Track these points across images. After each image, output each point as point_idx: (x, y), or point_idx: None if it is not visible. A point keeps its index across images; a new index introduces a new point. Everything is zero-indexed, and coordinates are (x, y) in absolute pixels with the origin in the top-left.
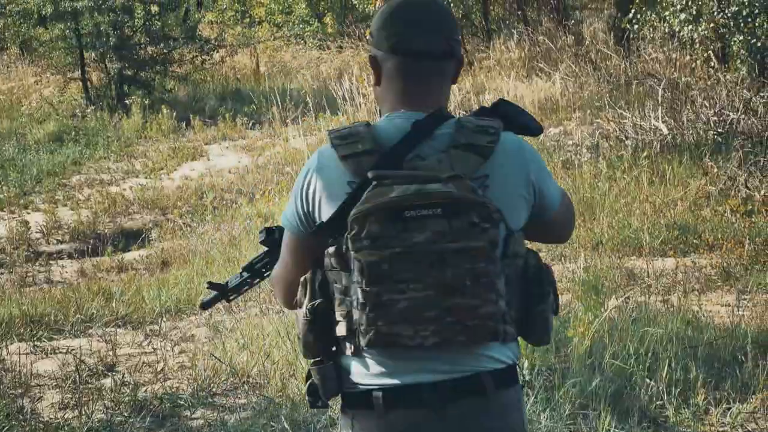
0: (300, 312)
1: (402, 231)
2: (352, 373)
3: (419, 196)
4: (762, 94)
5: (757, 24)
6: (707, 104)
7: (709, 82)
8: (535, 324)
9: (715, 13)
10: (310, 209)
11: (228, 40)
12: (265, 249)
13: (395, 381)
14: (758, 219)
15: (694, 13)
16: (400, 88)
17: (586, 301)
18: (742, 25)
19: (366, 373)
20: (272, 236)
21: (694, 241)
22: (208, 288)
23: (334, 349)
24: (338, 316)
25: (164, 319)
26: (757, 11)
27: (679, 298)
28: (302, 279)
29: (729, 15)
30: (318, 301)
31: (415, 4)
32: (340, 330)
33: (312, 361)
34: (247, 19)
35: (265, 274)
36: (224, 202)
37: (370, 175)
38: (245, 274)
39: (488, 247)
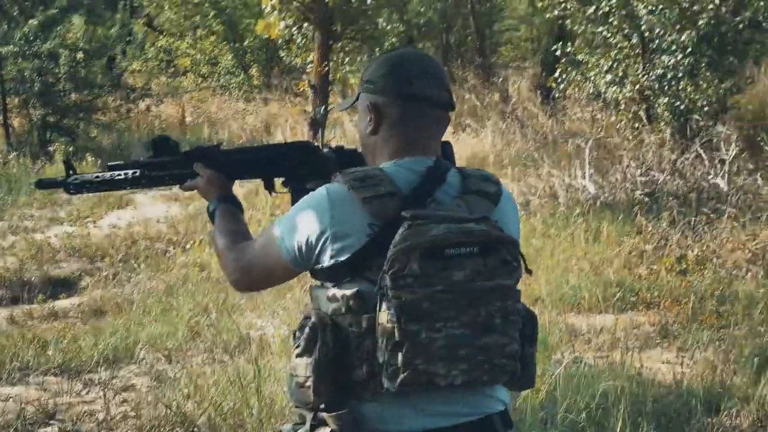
0: (302, 361)
1: (441, 269)
2: (370, 418)
3: (461, 234)
4: (686, 156)
5: (680, 87)
6: (633, 164)
7: (633, 143)
8: (527, 366)
9: (641, 76)
10: (314, 245)
11: (154, 90)
12: (165, 159)
13: (417, 425)
14: (693, 278)
15: (621, 74)
16: (406, 134)
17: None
18: (666, 87)
19: (385, 418)
20: (167, 143)
21: (632, 298)
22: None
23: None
24: (355, 361)
25: (102, 367)
26: (680, 74)
27: (622, 355)
28: (310, 324)
29: (654, 78)
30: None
31: (420, 55)
32: (359, 374)
33: (322, 408)
34: (172, 69)
35: (168, 182)
36: (155, 251)
37: (406, 214)
38: (130, 172)
39: (516, 285)
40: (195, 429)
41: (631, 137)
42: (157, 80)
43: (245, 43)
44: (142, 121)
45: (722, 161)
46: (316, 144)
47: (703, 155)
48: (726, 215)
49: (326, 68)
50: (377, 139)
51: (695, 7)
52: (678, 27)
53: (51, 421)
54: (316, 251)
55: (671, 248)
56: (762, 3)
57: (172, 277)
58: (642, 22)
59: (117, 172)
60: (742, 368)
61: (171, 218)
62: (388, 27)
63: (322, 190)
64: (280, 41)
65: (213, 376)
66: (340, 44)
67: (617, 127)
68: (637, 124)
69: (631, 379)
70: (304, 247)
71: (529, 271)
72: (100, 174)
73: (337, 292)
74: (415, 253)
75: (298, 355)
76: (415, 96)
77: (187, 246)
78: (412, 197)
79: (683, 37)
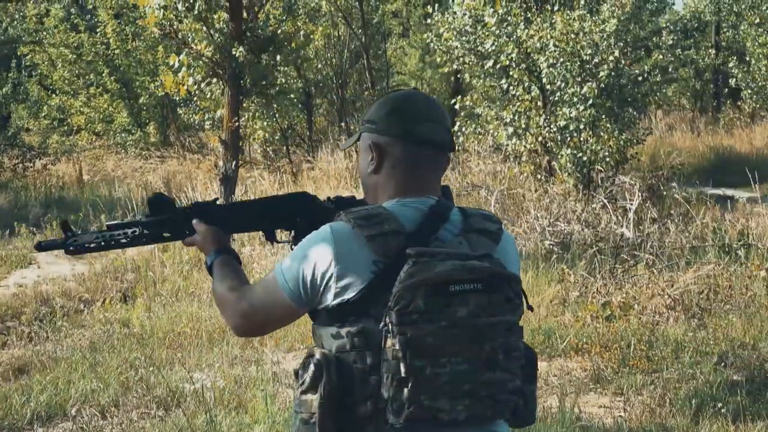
0: (307, 398)
1: (446, 306)
2: None
3: (465, 270)
4: (593, 206)
5: (582, 138)
6: (540, 215)
7: (538, 194)
8: (528, 402)
9: (542, 128)
10: (318, 283)
11: (50, 148)
12: (163, 217)
13: None
14: (619, 324)
15: (522, 126)
16: (408, 174)
17: None
18: (568, 139)
19: None
20: (163, 200)
21: (559, 345)
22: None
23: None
24: (360, 397)
25: (37, 425)
26: (582, 126)
27: (560, 401)
28: (314, 362)
29: (555, 130)
30: (334, 383)
31: (423, 97)
32: (364, 411)
33: None
34: (65, 127)
35: (168, 239)
36: (71, 309)
37: (411, 251)
38: (130, 231)
39: (518, 322)
40: None
41: (534, 189)
42: (51, 139)
43: (140, 101)
44: (38, 180)
45: (626, 210)
46: (313, 195)
47: (608, 205)
48: (644, 262)
49: (236, 123)
50: (379, 178)
51: (596, 60)
52: (579, 79)
53: None
54: (321, 289)
55: (594, 295)
56: (660, 56)
57: (94, 334)
58: (543, 75)
59: (117, 232)
60: (680, 410)
61: (79, 276)
62: (286, 84)
63: (326, 228)
64: (178, 99)
65: (154, 431)
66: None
67: (520, 178)
68: (540, 176)
69: (573, 424)
70: (308, 285)
71: (530, 308)
72: (99, 234)
73: (342, 330)
74: (421, 290)
75: (303, 392)
76: (418, 136)
77: (104, 302)
78: (416, 235)
79: (584, 89)
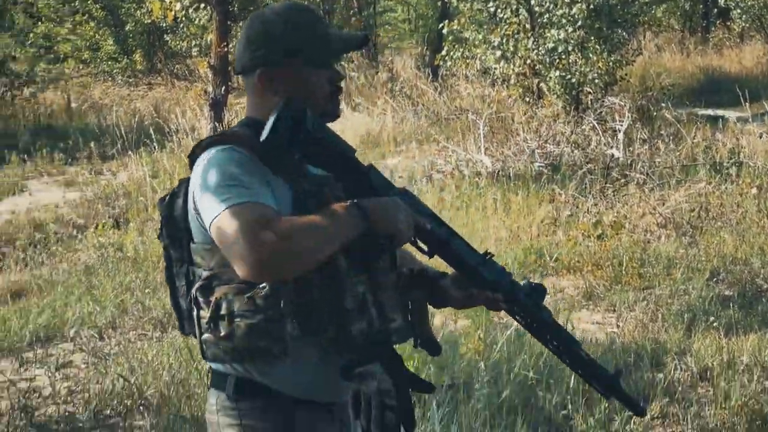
0: None
1: None
2: None
3: None
4: (583, 127)
5: (571, 60)
6: (528, 138)
7: (526, 117)
8: None
9: (531, 51)
10: None
11: (38, 76)
12: None
13: None
14: (610, 242)
15: (511, 50)
16: None
17: (475, 319)
18: (557, 61)
19: None
20: None
21: (552, 264)
22: None
23: None
24: None
25: (36, 346)
26: (571, 48)
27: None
28: None
29: (544, 52)
30: None
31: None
32: None
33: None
34: (52, 55)
35: None
36: (64, 235)
37: None
38: None
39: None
40: (143, 401)
41: (523, 111)
42: (38, 67)
43: (127, 28)
44: (27, 108)
45: (616, 132)
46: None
47: (597, 127)
48: (635, 182)
49: (225, 49)
50: None
51: None
52: (568, 1)
53: None
54: None
55: (585, 215)
56: None
57: (89, 258)
58: None
59: None
60: (673, 325)
61: (71, 202)
62: None
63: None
64: (165, 25)
65: (152, 351)
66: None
67: (509, 102)
68: (528, 99)
69: None
70: None
71: None
72: None
73: None
74: None
75: None
76: None
77: (97, 228)
78: None
79: (573, 10)
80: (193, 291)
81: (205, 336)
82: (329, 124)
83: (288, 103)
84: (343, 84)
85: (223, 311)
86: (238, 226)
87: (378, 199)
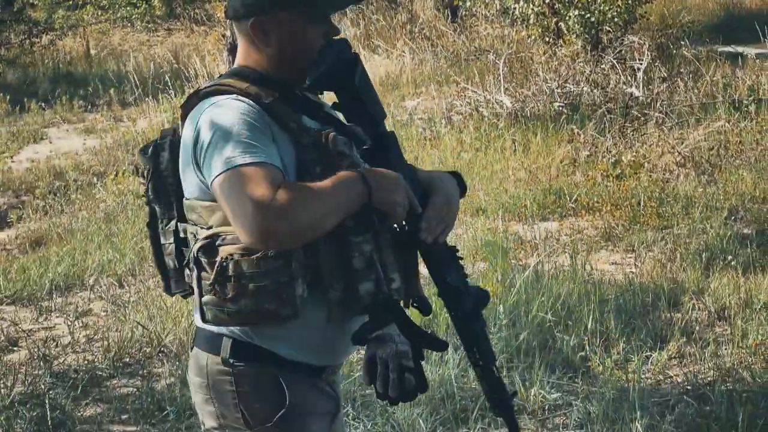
0: None
1: None
2: None
3: None
4: (603, 66)
5: None
6: (548, 78)
7: (546, 57)
8: None
9: None
10: None
11: (56, 23)
12: None
13: None
14: (629, 182)
15: None
16: None
17: (493, 262)
18: (576, 0)
19: None
20: None
21: (571, 205)
22: None
23: None
24: None
25: (56, 294)
26: None
27: (572, 259)
28: None
29: None
30: None
31: None
32: None
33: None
34: (70, 2)
35: None
36: (84, 182)
37: None
38: None
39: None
40: (162, 348)
41: (543, 51)
42: (56, 14)
43: None
44: (46, 56)
45: (635, 70)
46: None
47: (617, 65)
48: (654, 121)
49: None
50: None
51: None
52: None
53: (16, 348)
54: None
55: (604, 155)
56: None
57: (108, 206)
58: None
59: None
60: (691, 264)
61: (91, 150)
62: None
63: None
64: None
65: (170, 298)
66: None
67: (528, 41)
68: (548, 38)
69: (584, 280)
70: None
71: None
72: None
73: None
74: None
75: None
76: None
77: (116, 175)
78: None
79: None
80: (194, 251)
81: (207, 298)
82: None
83: (335, 46)
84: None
85: (230, 272)
86: (245, 190)
87: (383, 173)
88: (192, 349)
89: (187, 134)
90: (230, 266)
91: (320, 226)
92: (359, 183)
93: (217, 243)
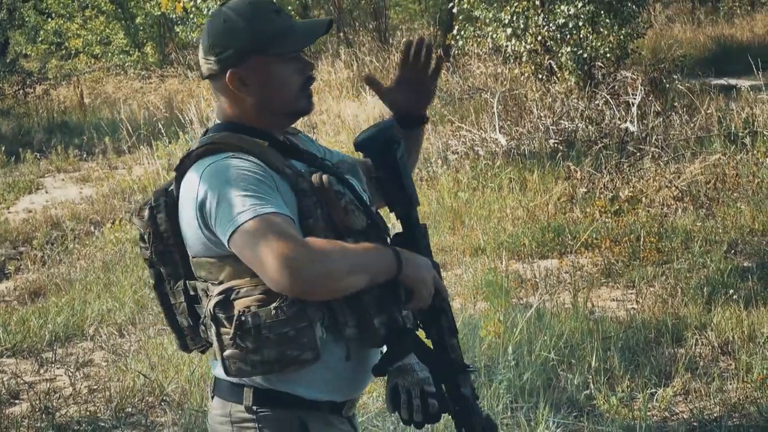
0: None
1: None
2: None
3: None
4: (597, 102)
5: (582, 35)
6: (542, 115)
7: (540, 94)
8: None
9: (541, 27)
10: None
11: (50, 72)
12: None
13: None
14: (628, 218)
15: (522, 26)
16: None
17: (494, 302)
18: (568, 37)
19: None
20: None
21: (570, 242)
22: None
23: None
24: None
25: (56, 346)
26: (581, 23)
27: (574, 296)
28: None
29: (554, 28)
30: None
31: None
32: None
33: None
34: (63, 52)
35: None
36: (81, 232)
37: None
38: None
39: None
40: (164, 398)
41: (536, 88)
42: (50, 63)
43: (137, 21)
44: (40, 106)
45: (629, 105)
46: None
47: (611, 101)
48: (650, 155)
49: None
50: None
51: None
52: None
53: (17, 401)
54: None
55: (601, 191)
56: None
57: (106, 255)
58: None
59: None
60: (692, 299)
61: (87, 198)
62: None
63: None
64: (174, 17)
65: (171, 346)
66: None
67: (522, 79)
68: (541, 75)
69: (586, 318)
70: None
71: None
72: None
73: None
74: None
75: None
76: None
77: (114, 223)
78: None
79: None
80: (210, 307)
81: (229, 352)
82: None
83: (389, 122)
84: (314, 73)
85: (249, 324)
86: (273, 236)
87: (415, 255)
88: (213, 398)
89: (186, 196)
90: (249, 318)
91: (347, 280)
92: (391, 255)
93: (232, 297)
